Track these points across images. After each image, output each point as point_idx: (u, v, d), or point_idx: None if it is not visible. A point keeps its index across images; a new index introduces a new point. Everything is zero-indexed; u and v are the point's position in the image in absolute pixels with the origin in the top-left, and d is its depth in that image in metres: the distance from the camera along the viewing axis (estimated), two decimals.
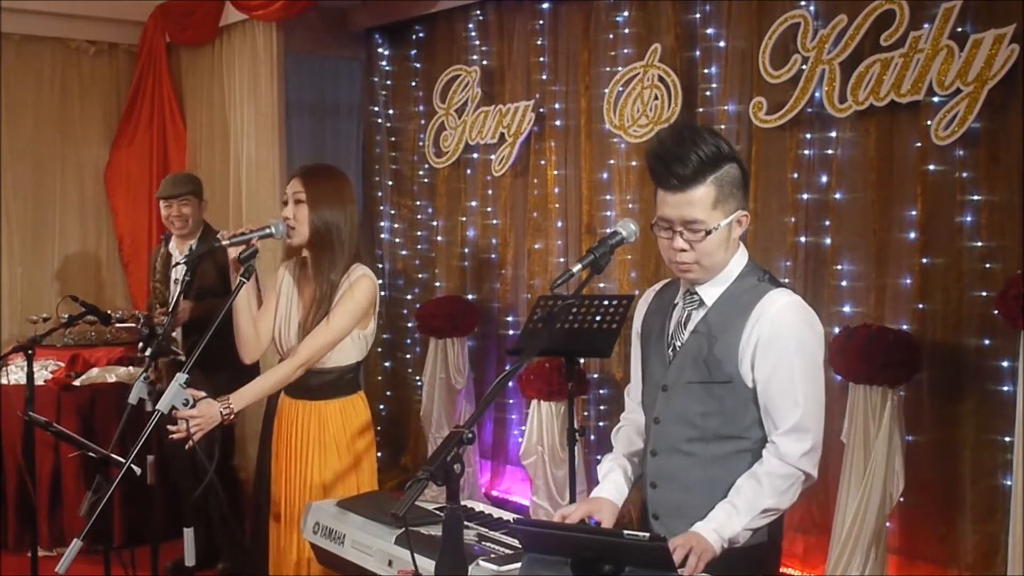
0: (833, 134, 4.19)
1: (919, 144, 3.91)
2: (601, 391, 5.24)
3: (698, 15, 4.73)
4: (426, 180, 6.35)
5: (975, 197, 3.78)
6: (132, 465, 2.64)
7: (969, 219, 3.80)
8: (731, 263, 2.33)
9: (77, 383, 5.24)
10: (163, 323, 4.15)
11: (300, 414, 3.23)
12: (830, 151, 4.21)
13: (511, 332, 5.73)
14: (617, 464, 2.50)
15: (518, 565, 2.13)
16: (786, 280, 4.15)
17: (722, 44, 4.61)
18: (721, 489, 2.27)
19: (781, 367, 2.23)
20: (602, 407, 5.26)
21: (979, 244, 3.78)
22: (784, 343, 2.24)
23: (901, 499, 3.85)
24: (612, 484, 2.46)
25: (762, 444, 2.28)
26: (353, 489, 3.18)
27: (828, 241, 4.24)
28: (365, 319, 3.19)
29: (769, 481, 2.23)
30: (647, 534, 1.91)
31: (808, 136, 4.28)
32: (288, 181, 3.24)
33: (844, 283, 4.18)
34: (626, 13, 5.04)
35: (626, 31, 5.04)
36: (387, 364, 6.62)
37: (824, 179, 4.25)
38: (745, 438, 2.29)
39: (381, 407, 6.51)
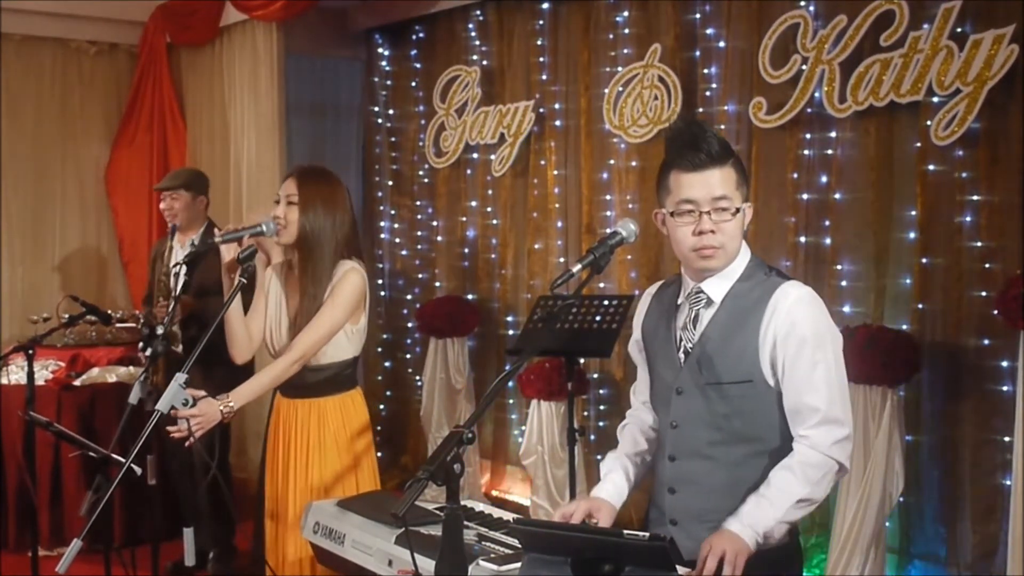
0: (833, 134, 4.19)
1: (919, 144, 3.91)
2: (601, 391, 5.24)
3: (698, 15, 4.73)
4: (426, 180, 6.35)
5: (975, 197, 3.78)
6: (132, 465, 2.65)
7: (969, 219, 3.81)
8: (737, 258, 2.30)
9: (77, 383, 5.24)
10: (163, 320, 4.16)
11: (299, 413, 3.22)
12: (830, 151, 4.21)
13: (511, 332, 5.73)
14: (619, 463, 2.47)
15: (518, 565, 2.13)
16: None
17: (722, 44, 4.61)
18: (744, 492, 2.21)
19: (803, 361, 2.20)
20: (602, 407, 5.25)
21: (979, 244, 3.78)
22: (802, 336, 2.21)
23: (901, 499, 3.85)
24: (612, 484, 2.42)
25: (783, 445, 2.24)
26: (354, 487, 3.18)
27: (828, 241, 4.24)
28: (356, 313, 3.18)
29: (802, 470, 2.16)
30: (647, 534, 1.91)
31: (808, 136, 4.28)
32: (283, 181, 3.25)
33: (844, 283, 4.18)
34: (626, 13, 5.04)
35: (626, 31, 5.05)
36: (387, 364, 6.62)
37: (824, 179, 4.25)
38: (766, 439, 2.25)
39: (381, 407, 6.51)
